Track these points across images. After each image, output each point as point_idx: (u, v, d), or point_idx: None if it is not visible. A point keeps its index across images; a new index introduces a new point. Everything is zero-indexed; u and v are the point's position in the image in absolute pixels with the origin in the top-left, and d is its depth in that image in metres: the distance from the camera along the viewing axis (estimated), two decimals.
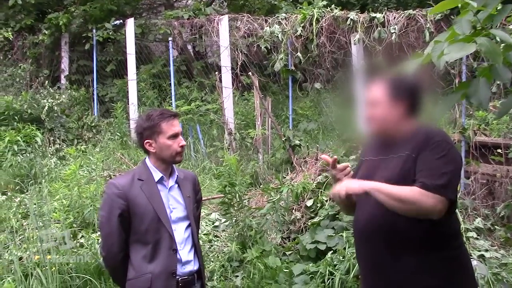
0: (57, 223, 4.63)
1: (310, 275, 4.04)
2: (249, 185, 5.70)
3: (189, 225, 2.55)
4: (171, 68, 8.78)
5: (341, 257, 4.01)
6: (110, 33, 9.65)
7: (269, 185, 5.77)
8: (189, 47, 10.88)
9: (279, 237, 4.80)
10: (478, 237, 4.54)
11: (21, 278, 3.80)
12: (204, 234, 5.00)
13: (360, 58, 7.28)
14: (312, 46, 8.08)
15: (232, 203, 4.60)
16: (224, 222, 5.02)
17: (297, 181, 5.51)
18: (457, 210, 2.31)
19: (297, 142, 6.57)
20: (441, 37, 1.72)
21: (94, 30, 9.66)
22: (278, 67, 8.19)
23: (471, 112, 6.22)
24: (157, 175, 2.51)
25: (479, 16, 1.68)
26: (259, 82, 7.51)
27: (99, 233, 3.95)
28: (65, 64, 10.19)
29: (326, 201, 4.84)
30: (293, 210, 5.02)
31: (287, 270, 4.19)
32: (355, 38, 7.41)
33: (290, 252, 4.58)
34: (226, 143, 7.38)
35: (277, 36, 8.25)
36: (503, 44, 1.77)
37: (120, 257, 2.46)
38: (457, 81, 5.86)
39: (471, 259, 2.97)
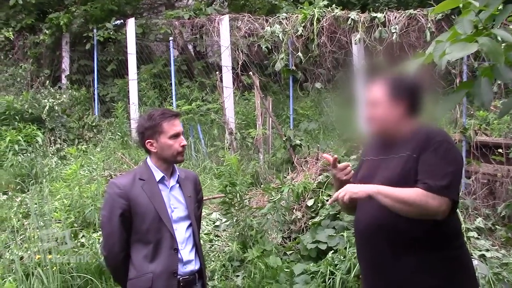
0: (58, 222, 4.64)
1: (311, 275, 4.04)
2: (250, 184, 5.70)
3: (190, 225, 2.55)
4: (172, 68, 8.79)
5: (342, 257, 4.01)
6: (111, 33, 9.66)
7: (269, 185, 5.77)
8: (190, 47, 10.88)
9: (280, 237, 4.81)
10: (479, 237, 4.54)
11: (22, 278, 3.81)
12: (205, 234, 5.00)
13: (360, 58, 7.28)
14: (313, 46, 8.07)
15: (233, 202, 4.60)
16: (225, 221, 5.02)
17: (298, 180, 5.52)
18: (458, 210, 2.31)
19: (297, 142, 6.57)
20: (443, 37, 1.72)
21: (95, 30, 9.66)
22: (279, 67, 8.19)
23: (472, 112, 6.21)
24: (158, 174, 2.51)
25: (481, 16, 1.68)
26: (259, 82, 7.51)
27: (100, 232, 3.96)
28: (66, 64, 10.20)
29: (327, 201, 4.84)
30: (294, 210, 5.02)
31: (288, 270, 4.18)
32: (356, 38, 7.41)
33: (291, 251, 4.58)
34: (227, 142, 7.39)
35: (278, 36, 8.24)
36: (503, 44, 1.78)
37: (121, 256, 2.46)
38: (458, 81, 5.86)
39: (472, 259, 2.97)
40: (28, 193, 6.07)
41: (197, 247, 2.57)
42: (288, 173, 6.13)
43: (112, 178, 5.29)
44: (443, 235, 2.09)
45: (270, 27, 8.39)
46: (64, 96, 9.01)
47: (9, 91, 9.17)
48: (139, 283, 2.43)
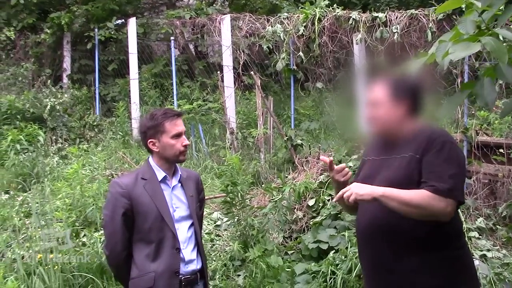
0: (60, 222, 4.64)
1: (312, 275, 4.04)
2: (251, 184, 5.71)
3: (192, 224, 2.56)
4: (173, 68, 8.79)
5: (343, 257, 4.01)
6: (112, 32, 9.65)
7: (271, 185, 5.77)
8: (191, 46, 10.87)
9: (281, 237, 4.81)
10: (480, 237, 4.54)
11: (24, 277, 3.81)
12: (206, 233, 5.01)
13: (362, 57, 7.27)
14: (314, 45, 8.07)
15: (234, 202, 4.60)
16: (226, 221, 5.02)
17: (299, 180, 5.52)
18: (459, 210, 2.31)
19: (299, 141, 6.57)
20: (445, 37, 1.72)
21: (96, 30, 9.66)
22: (280, 67, 8.19)
23: (473, 112, 6.21)
24: (160, 174, 2.52)
25: (484, 16, 1.68)
26: (261, 81, 7.51)
27: (102, 231, 3.96)
28: (67, 63, 10.20)
29: (328, 200, 4.85)
30: (295, 210, 5.02)
31: (289, 270, 4.19)
32: (357, 38, 7.41)
33: (292, 251, 4.59)
34: (228, 142, 7.39)
35: (279, 35, 8.24)
36: (505, 44, 1.77)
37: (123, 256, 2.46)
38: (459, 81, 5.85)
39: (473, 259, 2.97)
40: (29, 192, 6.07)
41: (199, 246, 2.58)
42: (289, 173, 6.13)
43: (113, 178, 5.30)
44: (445, 235, 2.09)
45: (271, 26, 8.38)
46: (66, 95, 9.02)
47: (10, 91, 9.17)
48: (141, 282, 2.44)
